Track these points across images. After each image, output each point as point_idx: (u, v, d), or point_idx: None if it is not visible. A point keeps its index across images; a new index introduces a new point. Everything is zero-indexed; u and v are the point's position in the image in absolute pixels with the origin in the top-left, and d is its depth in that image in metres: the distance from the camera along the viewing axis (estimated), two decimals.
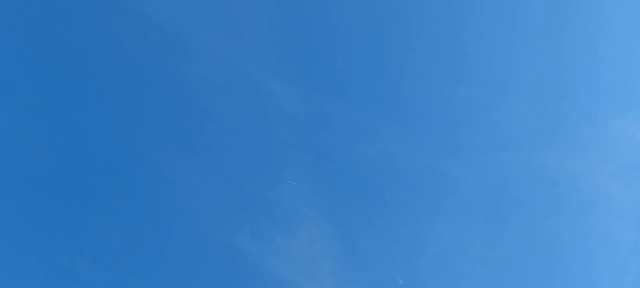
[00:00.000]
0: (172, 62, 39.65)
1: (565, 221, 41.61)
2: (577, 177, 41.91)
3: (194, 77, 39.93)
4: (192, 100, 39.78)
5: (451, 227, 40.98)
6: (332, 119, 41.05)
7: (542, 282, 40.94)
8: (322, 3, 42.39)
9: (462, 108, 42.53)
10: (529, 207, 41.87)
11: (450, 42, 43.09)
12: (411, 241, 40.36)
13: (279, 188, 39.31)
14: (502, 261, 40.74)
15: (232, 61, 40.28)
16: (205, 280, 37.51)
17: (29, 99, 37.32)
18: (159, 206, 37.99)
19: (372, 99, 41.66)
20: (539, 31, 43.52)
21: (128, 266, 36.97)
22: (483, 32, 43.22)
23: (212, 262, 38.20)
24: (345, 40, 41.90)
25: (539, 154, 42.06)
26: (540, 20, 43.32)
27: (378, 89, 41.98)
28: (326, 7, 42.42)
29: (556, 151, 42.06)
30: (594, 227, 41.54)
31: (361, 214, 40.43)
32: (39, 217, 36.27)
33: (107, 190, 37.82)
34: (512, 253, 41.01)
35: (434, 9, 42.91)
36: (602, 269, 41.41)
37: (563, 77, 42.58)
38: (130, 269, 36.52)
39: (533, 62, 43.14)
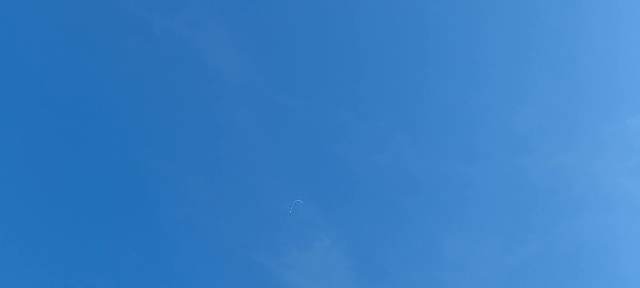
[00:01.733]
0: (184, 80, 40.59)
1: (584, 222, 40.97)
2: (594, 177, 41.39)
3: (205, 93, 40.74)
4: (203, 116, 40.52)
5: (468, 232, 40.66)
6: (343, 128, 41.32)
7: (562, 285, 40.27)
8: (331, 13, 42.82)
9: (476, 112, 42.47)
10: (547, 209, 41.36)
11: (463, 46, 43.16)
12: (427, 248, 40.11)
13: (293, 201, 39.50)
14: (520, 265, 40.08)
15: (242, 75, 41.08)
16: None
17: (46, 118, 38.47)
18: (173, 223, 38.46)
19: (383, 107, 41.91)
20: (552, 33, 43.37)
21: (146, 284, 37.32)
22: (496, 35, 43.21)
23: (229, 276, 38.29)
24: (354, 50, 42.32)
25: (555, 156, 41.67)
26: (554, 21, 43.16)
27: (388, 97, 42.17)
28: (335, 17, 42.85)
29: (572, 152, 41.65)
30: (613, 226, 40.83)
31: (376, 223, 40.40)
32: (56, 236, 36.95)
33: (123, 209, 38.43)
34: (531, 257, 40.33)
35: (445, 12, 43.09)
36: (624, 268, 40.49)
37: (577, 77, 42.27)
38: (146, 286, 36.97)
39: (547, 64, 43.05)
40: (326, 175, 40.76)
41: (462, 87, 42.69)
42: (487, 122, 42.63)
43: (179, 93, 40.55)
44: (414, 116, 42.40)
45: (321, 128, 41.14)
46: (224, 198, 39.36)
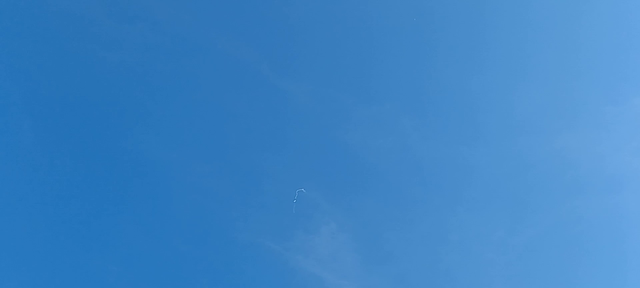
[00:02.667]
0: (186, 67, 40.85)
1: (589, 202, 41.05)
2: (599, 157, 41.36)
3: (208, 80, 41.00)
4: (208, 103, 40.82)
5: (473, 215, 40.88)
6: (348, 113, 41.47)
7: (568, 265, 40.48)
8: None
9: (480, 94, 42.37)
10: (552, 190, 41.46)
11: (465, 28, 42.97)
12: (432, 231, 40.44)
13: (299, 187, 39.86)
14: (526, 247, 40.38)
15: (245, 62, 41.22)
16: (231, 280, 38.37)
17: (49, 109, 39.00)
18: (182, 210, 39.01)
19: (386, 92, 42.01)
20: (555, 11, 43.00)
21: (154, 268, 37.98)
22: (498, 15, 42.99)
23: (236, 260, 38.90)
24: (357, 34, 42.31)
25: (559, 137, 41.60)
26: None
27: (392, 81, 42.18)
28: (338, 0, 42.76)
29: (576, 132, 41.57)
30: (619, 206, 40.91)
31: (381, 207, 40.74)
32: (62, 222, 37.60)
33: (131, 197, 38.97)
34: (536, 238, 40.58)
35: None
36: (630, 248, 40.60)
37: (580, 57, 42.06)
38: (155, 272, 37.63)
39: (550, 44, 42.73)
40: (331, 159, 41.13)
41: (465, 70, 42.64)
42: (490, 104, 42.64)
43: (182, 80, 40.85)
44: (418, 100, 42.53)
45: (326, 113, 41.37)
46: (230, 184, 39.87)
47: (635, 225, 40.85)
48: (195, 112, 40.63)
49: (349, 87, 41.74)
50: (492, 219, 40.86)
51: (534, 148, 41.58)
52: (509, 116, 42.08)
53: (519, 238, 40.43)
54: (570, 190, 41.23)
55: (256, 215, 39.47)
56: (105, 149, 39.10)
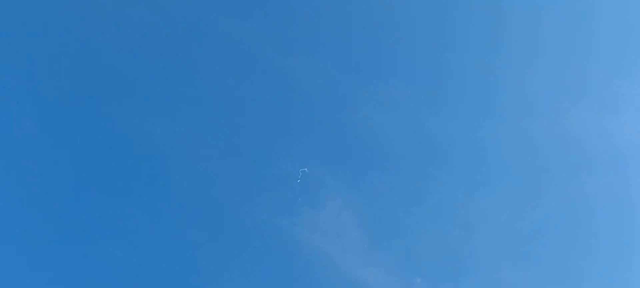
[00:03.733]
0: (189, 48, 41.12)
1: (599, 182, 40.48)
2: (610, 134, 40.76)
3: (211, 60, 41.11)
4: (211, 83, 41.05)
5: (479, 194, 40.60)
6: (354, 88, 41.47)
7: (578, 247, 40.02)
8: None
9: (488, 70, 41.95)
10: (561, 170, 41.02)
11: (474, 4, 42.65)
12: (439, 209, 40.30)
13: (304, 164, 40.04)
14: (533, 228, 40.02)
15: (249, 41, 41.31)
16: (237, 258, 38.69)
17: (53, 94, 39.53)
18: (187, 190, 39.40)
19: (392, 67, 41.85)
20: None
21: (161, 247, 38.46)
22: None
23: (243, 237, 39.22)
24: (363, 9, 42.15)
25: (569, 114, 41.06)
26: None
27: (399, 57, 42.07)
28: None
29: (586, 109, 40.99)
30: (630, 184, 40.34)
31: (387, 183, 40.69)
32: (68, 208, 38.08)
33: (136, 178, 39.41)
34: (544, 219, 40.23)
35: None
36: None
37: (589, 31, 41.39)
38: (162, 252, 38.14)
39: (559, 19, 42.14)
40: (337, 135, 41.15)
41: (474, 46, 42.36)
42: (499, 81, 42.32)
43: (186, 61, 41.09)
44: (426, 76, 42.27)
45: (332, 88, 41.41)
46: (236, 163, 40.11)
47: None
48: (199, 93, 40.94)
49: (356, 64, 41.85)
50: (500, 198, 40.65)
51: (542, 126, 41.26)
52: (516, 94, 41.74)
53: (527, 219, 40.24)
54: (580, 169, 40.88)
55: (262, 192, 39.79)
56: (109, 133, 39.63)
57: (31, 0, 39.18)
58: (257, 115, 40.90)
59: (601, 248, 39.98)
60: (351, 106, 41.15)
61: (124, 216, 38.15)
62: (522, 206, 40.36)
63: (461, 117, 41.30)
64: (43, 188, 37.76)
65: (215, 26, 41.32)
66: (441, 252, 39.52)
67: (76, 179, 38.30)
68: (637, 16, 40.80)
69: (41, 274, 36.45)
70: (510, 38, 42.16)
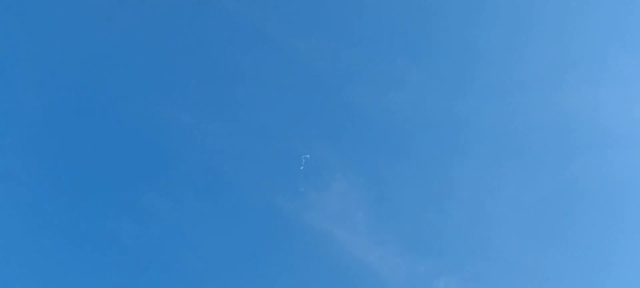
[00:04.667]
0: (192, 26, 40.48)
1: (605, 157, 40.54)
2: (612, 111, 40.70)
3: (214, 38, 40.82)
4: (214, 62, 40.59)
5: (483, 171, 40.71)
6: (358, 68, 41.15)
7: (582, 221, 40.26)
8: None
9: (491, 48, 41.67)
10: (566, 145, 41.00)
11: None
12: (443, 187, 40.43)
13: (309, 144, 39.94)
14: (538, 203, 40.18)
15: (251, 20, 40.82)
16: (243, 239, 38.69)
17: (58, 73, 39.18)
18: (192, 170, 39.35)
19: (396, 46, 41.48)
20: None
21: (170, 226, 38.47)
22: None
23: (249, 219, 39.28)
24: None
25: (575, 90, 40.92)
26: None
27: (401, 36, 41.61)
28: None
29: (588, 85, 40.85)
30: (634, 162, 40.46)
31: (392, 163, 40.66)
32: (82, 183, 38.11)
33: (144, 158, 39.34)
34: (548, 193, 40.39)
35: None
36: None
37: (603, 4, 41.00)
38: (169, 232, 38.16)
39: None
40: (342, 116, 41.03)
41: (477, 23, 41.96)
42: (504, 57, 42.06)
43: (189, 39, 40.67)
44: (430, 54, 41.99)
45: (335, 68, 41.12)
46: (240, 144, 40.03)
47: None
48: (203, 71, 40.62)
49: (358, 43, 41.41)
50: (503, 175, 40.75)
51: (547, 102, 41.08)
52: (522, 70, 41.48)
53: (532, 194, 40.37)
54: (586, 145, 40.82)
55: (268, 174, 39.76)
56: (115, 111, 39.42)
57: None
58: (261, 95, 40.75)
59: (606, 223, 40.20)
60: (356, 86, 41.00)
61: (133, 197, 38.31)
62: (528, 181, 40.50)
63: (467, 95, 41.17)
64: (51, 165, 37.90)
65: (221, 6, 41.01)
66: (447, 231, 39.83)
67: (82, 161, 38.44)
68: None
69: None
70: (514, 15, 41.83)
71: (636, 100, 40.78)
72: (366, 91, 40.90)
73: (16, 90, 38.27)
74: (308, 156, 37.63)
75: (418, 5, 41.96)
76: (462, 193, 40.29)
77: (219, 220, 38.66)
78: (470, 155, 40.72)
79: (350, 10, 41.65)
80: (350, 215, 39.59)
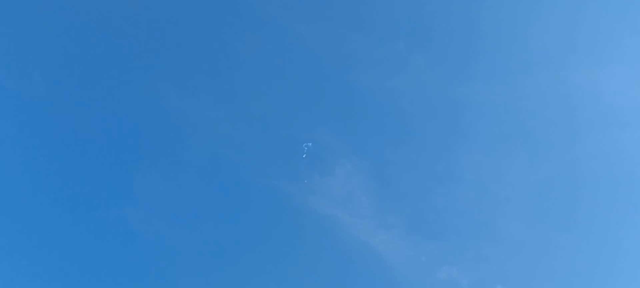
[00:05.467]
0: (196, 13, 40.84)
1: (609, 138, 40.25)
2: (620, 91, 40.41)
3: (219, 24, 41.01)
4: (219, 47, 40.96)
5: (488, 152, 40.63)
6: (361, 53, 41.18)
7: (587, 202, 40.02)
8: None
9: (493, 31, 41.55)
10: (570, 126, 40.78)
11: None
12: (447, 170, 40.45)
13: (313, 129, 40.06)
14: (542, 184, 40.08)
15: (255, 5, 40.98)
16: (249, 224, 39.03)
17: (62, 59, 39.58)
18: (197, 155, 39.61)
19: (399, 30, 41.45)
20: None
21: (175, 212, 38.80)
22: None
23: (254, 204, 39.47)
24: None
25: (578, 71, 40.70)
26: None
27: (404, 20, 41.57)
28: None
29: (593, 66, 40.61)
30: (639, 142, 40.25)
31: (396, 147, 40.74)
32: (86, 169, 38.53)
33: (148, 144, 39.64)
34: (554, 174, 40.18)
35: None
36: None
37: None
38: (173, 217, 38.55)
39: None
40: (345, 101, 41.10)
41: (480, 5, 41.90)
42: (506, 40, 41.86)
43: (193, 25, 40.82)
44: (432, 38, 41.84)
45: (338, 54, 41.11)
46: (244, 129, 40.24)
47: None
48: (208, 57, 40.88)
49: (361, 28, 41.33)
50: (507, 157, 40.66)
51: (551, 83, 40.92)
52: (526, 51, 41.34)
53: (535, 176, 40.26)
54: (590, 126, 40.66)
55: (272, 159, 39.95)
56: (120, 97, 39.74)
57: None
58: (265, 81, 40.91)
59: (609, 203, 39.89)
60: (359, 70, 41.04)
61: (139, 182, 38.61)
62: (532, 163, 40.41)
63: (470, 78, 41.09)
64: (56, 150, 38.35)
65: None
66: (450, 214, 39.77)
67: (86, 145, 38.79)
68: None
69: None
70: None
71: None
72: (369, 75, 41.02)
73: (22, 80, 38.75)
74: (310, 144, 37.68)
75: None
76: (466, 176, 40.29)
77: (224, 205, 39.01)
78: (474, 138, 40.69)
79: None
80: (355, 199, 39.75)
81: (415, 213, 39.68)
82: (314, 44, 40.96)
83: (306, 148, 37.20)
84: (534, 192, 39.95)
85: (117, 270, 36.29)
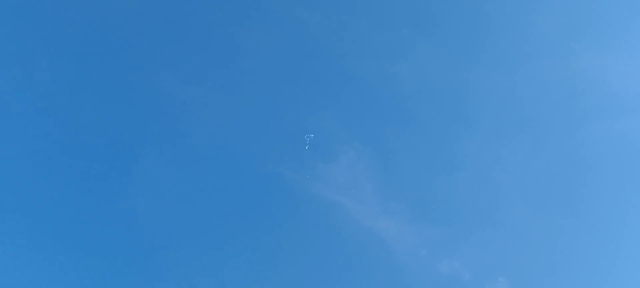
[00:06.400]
0: (199, 4, 40.92)
1: (613, 123, 40.38)
2: (625, 76, 40.39)
3: (221, 11, 41.03)
4: (221, 34, 41.03)
5: (491, 139, 40.76)
6: (363, 40, 41.16)
7: (590, 188, 40.12)
8: None
9: (496, 16, 41.44)
10: (574, 112, 40.83)
11: None
12: (450, 155, 40.50)
13: (316, 116, 40.17)
14: (545, 171, 40.15)
15: None
16: (253, 210, 39.13)
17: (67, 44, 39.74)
18: (200, 143, 39.77)
19: (402, 16, 41.40)
20: None
21: (178, 197, 39.02)
22: None
23: (258, 191, 39.58)
24: None
25: (582, 56, 40.67)
26: None
27: (408, 7, 41.55)
28: None
29: (598, 52, 40.53)
30: None
31: (399, 133, 40.88)
32: (93, 156, 38.69)
33: (151, 131, 39.78)
34: (556, 161, 40.31)
35: None
36: None
37: None
38: (177, 204, 38.70)
39: None
40: (348, 88, 41.09)
41: None
42: (509, 25, 41.74)
43: (196, 12, 40.89)
44: (435, 25, 41.77)
45: (341, 41, 41.09)
46: (247, 116, 40.27)
47: None
48: (211, 45, 40.93)
49: (364, 14, 41.35)
50: (510, 143, 40.79)
51: (555, 68, 40.90)
52: (529, 37, 41.25)
53: (539, 163, 40.35)
54: (594, 111, 40.67)
55: (275, 146, 40.03)
56: (124, 84, 39.80)
57: None
58: (268, 67, 40.98)
59: (614, 188, 40.01)
60: (362, 56, 41.09)
61: (144, 167, 38.73)
62: (535, 149, 40.59)
63: (472, 65, 41.14)
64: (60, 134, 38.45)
65: None
66: (453, 200, 39.93)
67: (91, 131, 38.83)
68: None
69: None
70: None
71: None
72: (373, 62, 41.06)
73: (28, 72, 38.84)
74: (312, 135, 37.75)
75: None
76: (469, 162, 40.41)
77: (227, 191, 39.14)
78: (477, 124, 40.83)
79: None
80: (358, 186, 39.86)
81: (418, 200, 39.86)
82: (316, 31, 41.04)
83: (308, 140, 37.33)
84: (538, 178, 40.15)
85: (122, 259, 36.53)
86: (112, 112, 39.16)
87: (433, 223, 39.23)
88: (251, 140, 39.88)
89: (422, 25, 41.61)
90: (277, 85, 40.81)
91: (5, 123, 37.48)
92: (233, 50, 40.95)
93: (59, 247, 35.84)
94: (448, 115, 41.00)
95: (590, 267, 38.08)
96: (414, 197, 39.82)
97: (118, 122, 39.09)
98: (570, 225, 39.08)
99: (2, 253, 34.69)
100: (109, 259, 36.03)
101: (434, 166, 40.32)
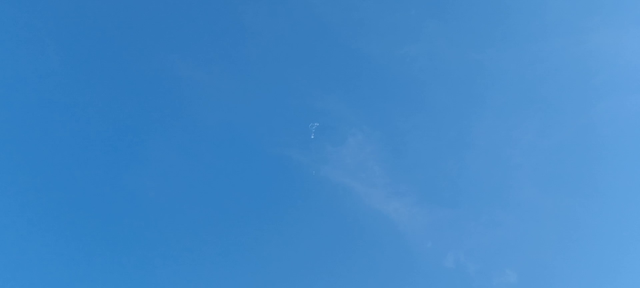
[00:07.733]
0: None
1: (623, 103, 39.65)
2: (634, 56, 39.61)
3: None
4: (229, 19, 40.63)
5: (501, 119, 40.29)
6: (373, 21, 40.64)
7: (602, 167, 39.63)
8: None
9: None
10: (585, 91, 40.14)
11: None
12: (460, 136, 40.18)
13: (325, 99, 39.91)
14: (557, 150, 39.71)
15: None
16: (262, 193, 39.30)
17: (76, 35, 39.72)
18: (210, 126, 39.81)
19: None
20: None
21: (187, 179, 39.20)
22: None
23: (267, 174, 39.67)
24: None
25: (592, 35, 39.84)
26: None
27: None
28: None
29: (610, 30, 39.71)
30: None
31: (408, 115, 40.55)
32: (102, 140, 38.88)
33: (161, 114, 39.81)
34: (568, 139, 39.79)
35: None
36: None
37: None
38: (187, 186, 38.96)
39: None
40: (357, 69, 40.72)
41: None
42: (518, 3, 40.93)
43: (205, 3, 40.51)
44: (444, 3, 41.11)
45: (350, 21, 40.63)
46: (256, 98, 40.20)
47: None
48: (219, 27, 40.67)
49: None
50: (521, 123, 40.28)
51: (565, 48, 40.15)
52: (539, 15, 40.50)
53: (550, 141, 39.88)
54: (604, 91, 39.96)
55: (284, 129, 39.97)
56: (131, 68, 39.84)
57: None
58: (276, 49, 40.70)
59: (623, 168, 39.52)
60: (371, 38, 40.55)
61: (151, 152, 38.90)
62: (546, 128, 40.00)
63: (481, 44, 40.44)
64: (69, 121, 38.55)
65: None
66: (463, 181, 39.69)
67: (100, 117, 38.93)
68: None
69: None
70: None
71: None
72: (381, 43, 40.52)
73: (37, 54, 38.94)
74: (317, 124, 37.58)
75: None
76: (479, 142, 40.01)
77: (237, 175, 39.26)
78: (488, 104, 40.32)
79: None
80: (367, 168, 39.73)
81: (428, 181, 39.78)
82: (325, 11, 40.58)
83: (313, 129, 37.18)
84: (549, 157, 39.72)
85: (130, 239, 36.94)
86: (120, 94, 39.37)
87: (443, 204, 39.21)
88: (259, 121, 39.97)
89: (431, 4, 41.07)
90: (285, 68, 40.67)
91: (15, 110, 37.71)
92: (242, 31, 40.77)
93: (66, 228, 36.41)
94: (458, 95, 40.63)
95: (604, 249, 37.84)
96: (423, 178, 39.83)
97: (126, 103, 39.26)
98: (582, 205, 38.84)
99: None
100: (117, 239, 36.76)
101: (443, 147, 40.15)
